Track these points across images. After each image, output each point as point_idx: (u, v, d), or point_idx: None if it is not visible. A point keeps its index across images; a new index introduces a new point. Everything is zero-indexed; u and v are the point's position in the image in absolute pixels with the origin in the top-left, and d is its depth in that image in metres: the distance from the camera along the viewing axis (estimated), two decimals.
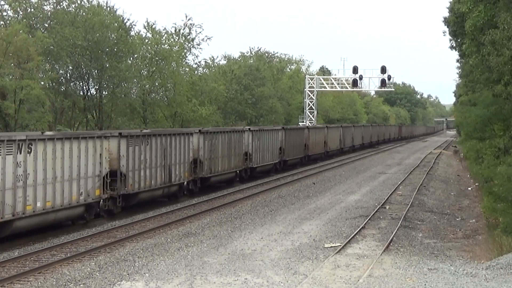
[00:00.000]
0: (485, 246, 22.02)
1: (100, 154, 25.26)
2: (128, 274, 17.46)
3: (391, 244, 21.62)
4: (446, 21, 37.42)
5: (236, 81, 70.79)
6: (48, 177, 22.30)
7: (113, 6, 51.39)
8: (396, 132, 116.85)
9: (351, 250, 20.75)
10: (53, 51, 43.95)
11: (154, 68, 54.07)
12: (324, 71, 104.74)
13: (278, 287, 16.25)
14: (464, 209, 31.62)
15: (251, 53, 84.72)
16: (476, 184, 40.19)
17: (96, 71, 48.06)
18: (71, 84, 48.61)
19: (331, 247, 21.05)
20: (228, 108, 68.90)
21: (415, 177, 44.89)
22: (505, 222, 23.04)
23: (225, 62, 77.27)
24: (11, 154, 20.68)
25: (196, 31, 59.27)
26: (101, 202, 25.80)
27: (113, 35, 48.41)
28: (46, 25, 46.45)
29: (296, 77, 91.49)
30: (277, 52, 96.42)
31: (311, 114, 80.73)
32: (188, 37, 57.41)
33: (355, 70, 79.04)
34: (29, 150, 21.45)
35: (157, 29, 55.75)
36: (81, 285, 16.55)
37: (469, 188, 40.07)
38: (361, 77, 79.32)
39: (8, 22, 44.40)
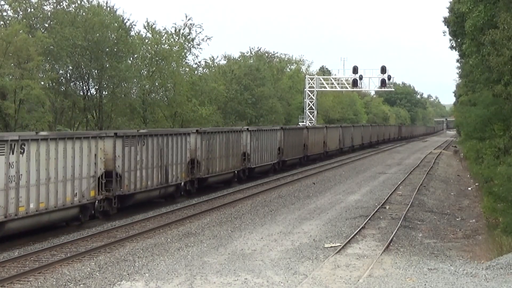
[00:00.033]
0: (485, 246, 22.02)
1: (95, 155, 24.92)
2: (128, 274, 17.46)
3: (391, 244, 21.63)
4: (446, 21, 37.40)
5: (236, 81, 70.80)
6: (42, 178, 21.96)
7: (113, 6, 51.46)
8: (396, 132, 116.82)
9: (351, 250, 20.75)
10: (53, 51, 43.96)
11: (154, 68, 54.08)
12: (324, 71, 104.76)
13: (278, 287, 16.25)
14: (464, 209, 31.62)
15: (251, 53, 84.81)
16: (476, 184, 40.19)
17: (96, 71, 48.07)
18: (71, 84, 48.63)
19: (331, 247, 21.05)
20: (228, 108, 68.90)
21: (415, 177, 44.89)
22: (505, 222, 23.04)
23: (225, 62, 77.38)
24: (3, 155, 20.32)
25: (196, 31, 59.35)
26: (96, 203, 25.46)
27: (113, 35, 48.42)
28: (46, 25, 46.46)
29: (296, 77, 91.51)
30: (277, 52, 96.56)
31: (311, 114, 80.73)
32: (188, 37, 57.47)
33: (355, 70, 79.04)
34: (22, 151, 21.09)
35: (157, 29, 55.85)
36: (81, 285, 16.55)
37: (469, 188, 40.08)
38: (361, 77, 79.32)
39: (8, 22, 44.40)
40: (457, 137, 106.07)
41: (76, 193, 23.84)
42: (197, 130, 34.57)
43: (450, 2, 36.81)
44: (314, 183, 40.64)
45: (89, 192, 24.68)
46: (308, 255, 19.84)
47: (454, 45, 39.83)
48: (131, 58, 51.97)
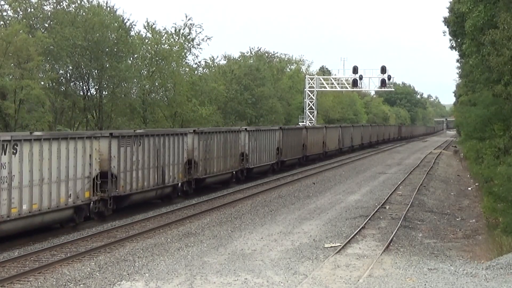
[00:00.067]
0: (485, 246, 22.02)
1: (90, 155, 24.55)
2: (128, 274, 17.47)
3: (391, 244, 21.63)
4: (446, 21, 37.40)
5: (236, 81, 70.80)
6: (35, 179, 21.60)
7: (113, 6, 51.51)
8: (396, 132, 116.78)
9: (351, 250, 20.75)
10: (53, 51, 43.97)
11: (154, 68, 54.10)
12: (324, 71, 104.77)
13: (278, 287, 16.25)
14: (464, 209, 31.62)
15: (251, 53, 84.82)
16: (476, 184, 40.20)
17: (96, 71, 48.08)
18: (71, 84, 48.64)
19: (331, 247, 21.06)
20: (228, 108, 68.90)
21: (415, 177, 44.89)
22: (505, 222, 23.04)
23: (225, 62, 77.39)
24: None
25: (196, 31, 59.40)
26: (91, 204, 25.03)
27: (113, 35, 48.43)
28: (46, 25, 46.48)
29: (296, 77, 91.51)
30: (277, 52, 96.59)
31: (311, 114, 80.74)
32: (188, 37, 57.47)
33: (355, 70, 79.03)
34: (14, 151, 20.73)
35: (157, 29, 55.87)
36: (81, 285, 16.55)
37: (469, 188, 40.08)
38: (361, 77, 79.31)
39: (8, 22, 44.41)
40: (457, 137, 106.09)
41: (70, 194, 23.47)
42: (194, 130, 34.23)
43: (450, 2, 36.81)
44: (314, 183, 40.64)
45: (84, 193, 24.28)
46: (308, 255, 19.84)
47: (454, 45, 39.83)
48: (131, 58, 51.98)
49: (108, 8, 50.21)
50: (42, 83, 43.78)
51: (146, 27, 55.39)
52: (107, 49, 47.78)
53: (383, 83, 78.57)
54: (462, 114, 53.99)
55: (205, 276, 17.14)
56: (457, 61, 55.24)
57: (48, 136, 22.91)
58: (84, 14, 47.36)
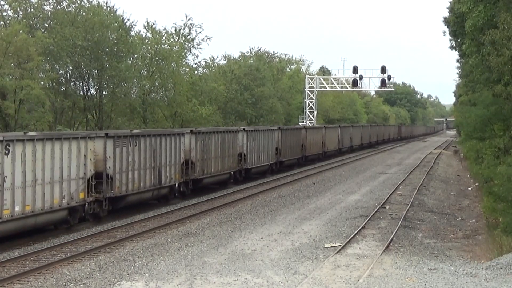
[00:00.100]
0: (485, 246, 22.02)
1: (85, 156, 24.19)
2: (128, 274, 17.47)
3: (391, 244, 21.63)
4: (446, 21, 37.39)
5: (236, 81, 70.80)
6: (28, 180, 21.23)
7: (113, 6, 51.52)
8: (396, 132, 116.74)
9: (351, 250, 20.75)
10: (53, 51, 43.98)
11: (154, 68, 54.10)
12: (324, 71, 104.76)
13: (278, 287, 16.25)
14: (464, 209, 31.62)
15: (251, 53, 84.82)
16: (476, 184, 40.20)
17: (96, 71, 48.08)
18: (71, 84, 48.64)
19: (331, 247, 21.06)
20: (228, 108, 68.90)
21: (415, 177, 44.89)
22: (505, 222, 23.04)
23: (225, 62, 77.41)
24: None
25: (196, 31, 59.37)
26: (86, 205, 24.64)
27: (113, 35, 48.43)
28: (46, 25, 46.48)
29: (296, 77, 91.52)
30: (277, 52, 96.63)
31: (311, 114, 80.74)
32: (188, 37, 57.47)
33: (355, 70, 79.03)
34: (7, 152, 20.41)
35: (157, 29, 55.88)
36: (81, 285, 16.55)
37: (469, 188, 40.08)
38: (361, 77, 79.30)
39: (8, 22, 44.42)
40: (457, 137, 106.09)
41: (65, 195, 23.13)
42: (191, 130, 33.85)
43: (450, 2, 36.80)
44: (314, 183, 40.65)
45: (78, 194, 23.96)
46: (308, 255, 19.84)
47: (454, 45, 39.81)
48: (131, 58, 51.98)
49: (108, 8, 50.27)
50: (42, 83, 43.79)
51: (146, 27, 55.44)
52: (107, 49, 47.79)
53: (383, 83, 78.57)
54: (462, 114, 53.98)
55: (205, 276, 17.15)
56: (457, 61, 55.26)
57: (42, 136, 22.55)
58: (84, 14, 47.36)
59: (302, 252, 20.17)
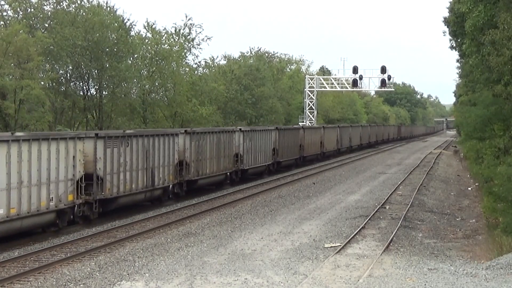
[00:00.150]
0: (485, 246, 22.02)
1: (74, 157, 23.64)
2: (128, 274, 17.47)
3: (391, 244, 21.63)
4: (446, 21, 37.39)
5: (236, 81, 70.80)
6: (13, 182, 20.65)
7: (113, 6, 51.50)
8: (395, 132, 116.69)
9: (351, 250, 20.75)
10: (53, 51, 43.98)
11: (154, 68, 54.10)
12: (324, 71, 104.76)
13: (278, 287, 16.25)
14: (464, 209, 31.62)
15: (251, 53, 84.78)
16: (476, 184, 40.20)
17: (96, 71, 48.08)
18: (71, 84, 48.65)
19: (331, 247, 21.06)
20: (228, 108, 68.90)
21: (415, 177, 44.90)
22: (505, 222, 23.04)
23: (225, 62, 77.40)
24: None
25: (196, 31, 59.36)
26: (75, 208, 24.13)
27: (113, 35, 48.44)
28: (46, 25, 46.49)
29: (296, 77, 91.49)
30: (277, 52, 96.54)
31: (311, 114, 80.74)
32: (188, 37, 57.47)
33: (355, 70, 79.00)
34: None
35: (157, 29, 55.88)
36: (81, 285, 16.56)
37: (469, 188, 40.08)
38: (361, 77, 79.27)
39: (8, 22, 44.43)
40: (457, 137, 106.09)
41: (52, 197, 22.58)
42: (185, 131, 33.32)
43: (450, 2, 36.80)
44: (314, 183, 40.64)
45: (67, 196, 23.38)
46: (308, 255, 19.84)
47: (454, 45, 39.80)
48: (131, 58, 51.98)
49: (108, 8, 50.27)
50: (42, 83, 43.78)
51: (146, 27, 55.44)
52: (107, 49, 47.78)
53: (383, 83, 78.54)
54: (462, 114, 53.94)
55: (205, 276, 17.15)
56: (457, 61, 55.22)
57: (28, 137, 21.96)
58: (84, 14, 47.37)
59: (302, 252, 20.17)
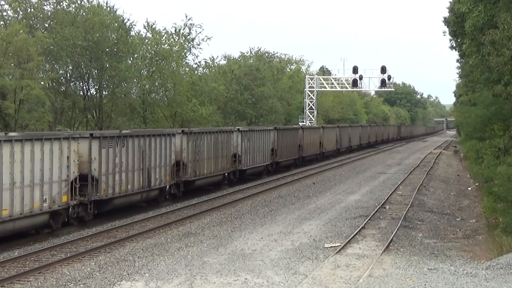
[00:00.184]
0: (485, 246, 22.02)
1: (68, 157, 23.31)
2: (128, 274, 17.47)
3: (391, 244, 21.63)
4: (446, 21, 37.39)
5: (236, 81, 70.79)
6: (5, 183, 20.37)
7: (113, 6, 51.48)
8: (395, 132, 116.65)
9: (351, 250, 20.75)
10: (53, 51, 43.99)
11: (154, 68, 54.11)
12: (324, 71, 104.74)
13: (278, 287, 16.25)
14: (464, 209, 31.62)
15: (251, 53, 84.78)
16: (476, 184, 40.20)
17: (96, 71, 48.09)
18: (71, 84, 48.65)
19: (331, 247, 21.06)
20: (228, 108, 68.90)
21: (415, 177, 44.89)
22: (505, 222, 23.04)
23: (225, 62, 77.40)
24: None
25: (196, 31, 59.41)
26: (70, 209, 23.84)
27: (113, 35, 48.43)
28: (46, 25, 46.49)
29: (296, 77, 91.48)
30: (277, 52, 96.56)
31: (311, 114, 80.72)
32: (188, 37, 57.48)
33: (355, 70, 78.98)
34: None
35: (157, 29, 55.88)
36: (81, 285, 16.56)
37: (469, 188, 40.08)
38: (361, 77, 79.24)
39: (8, 22, 44.43)
40: (457, 137, 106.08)
41: (46, 198, 22.25)
42: (182, 131, 33.05)
43: (450, 2, 36.81)
44: (314, 183, 40.64)
45: (61, 198, 23.04)
46: (308, 255, 19.84)
47: (454, 45, 39.80)
48: (131, 58, 51.97)
49: (108, 8, 50.26)
50: (42, 83, 43.79)
51: (146, 27, 55.44)
52: (107, 49, 47.79)
53: (383, 83, 78.51)
54: (462, 114, 53.93)
55: (205, 276, 17.15)
56: (457, 61, 55.22)
57: (20, 137, 21.66)
58: (84, 14, 47.37)
59: (302, 252, 20.17)
